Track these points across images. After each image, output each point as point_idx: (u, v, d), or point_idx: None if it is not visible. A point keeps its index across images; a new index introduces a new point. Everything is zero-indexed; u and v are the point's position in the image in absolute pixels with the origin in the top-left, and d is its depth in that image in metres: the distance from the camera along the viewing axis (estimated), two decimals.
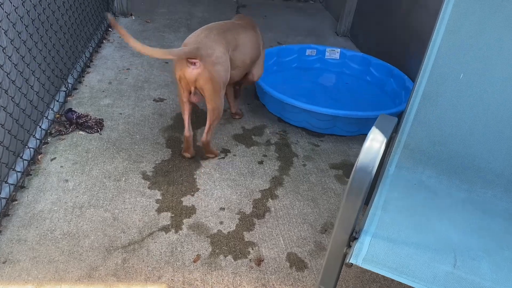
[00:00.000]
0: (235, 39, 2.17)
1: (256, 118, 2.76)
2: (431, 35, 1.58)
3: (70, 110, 2.44)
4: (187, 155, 2.28)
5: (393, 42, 3.45)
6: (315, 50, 3.45)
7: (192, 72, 1.96)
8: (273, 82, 3.08)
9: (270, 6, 5.02)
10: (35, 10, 2.14)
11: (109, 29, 3.73)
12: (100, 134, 2.39)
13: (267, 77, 3.11)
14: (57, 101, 2.47)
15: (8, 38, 1.82)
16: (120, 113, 2.61)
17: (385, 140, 1.19)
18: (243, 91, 3.03)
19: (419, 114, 1.57)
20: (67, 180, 2.04)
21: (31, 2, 2.08)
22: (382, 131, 1.22)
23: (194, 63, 1.94)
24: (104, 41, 3.51)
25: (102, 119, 2.48)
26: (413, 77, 3.01)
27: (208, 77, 1.97)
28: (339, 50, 3.45)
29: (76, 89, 2.79)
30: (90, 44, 3.23)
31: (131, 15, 4.11)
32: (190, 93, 2.06)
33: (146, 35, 3.76)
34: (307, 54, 3.45)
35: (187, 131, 2.19)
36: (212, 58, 1.97)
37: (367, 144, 1.17)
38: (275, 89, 2.69)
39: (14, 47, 1.89)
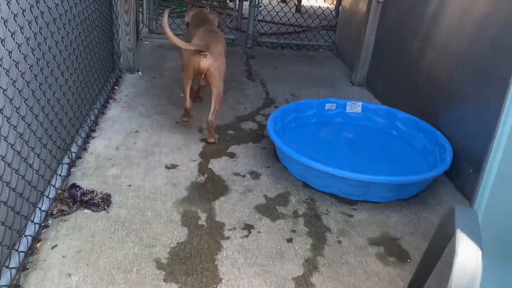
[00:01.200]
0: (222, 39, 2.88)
1: (278, 183, 2.49)
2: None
3: (74, 185, 2.19)
4: (186, 119, 3.02)
5: (416, 92, 3.24)
6: (334, 104, 3.24)
7: (205, 62, 2.64)
8: (293, 140, 2.85)
9: (280, 56, 4.87)
10: (36, 80, 1.93)
11: (115, 87, 3.54)
12: (107, 212, 2.12)
13: (285, 135, 2.88)
14: (59, 175, 2.22)
15: (4, 116, 1.59)
16: (129, 185, 2.35)
17: (480, 253, 0.92)
18: (262, 151, 2.79)
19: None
20: (70, 274, 1.75)
21: (31, 72, 1.87)
22: (471, 235, 0.95)
23: (206, 56, 2.63)
24: (110, 101, 3.31)
25: (109, 194, 2.22)
26: (443, 131, 2.77)
27: (217, 66, 2.67)
28: (360, 103, 3.23)
29: (80, 157, 2.55)
30: (95, 106, 3.02)
31: (138, 71, 3.94)
32: (196, 77, 2.77)
33: (154, 92, 3.56)
34: (326, 108, 3.23)
35: (189, 103, 2.90)
36: (218, 52, 2.70)
37: (459, 261, 0.89)
38: (295, 148, 2.46)
39: (11, 125, 1.66)
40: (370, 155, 2.85)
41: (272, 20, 5.50)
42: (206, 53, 2.62)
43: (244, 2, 4.79)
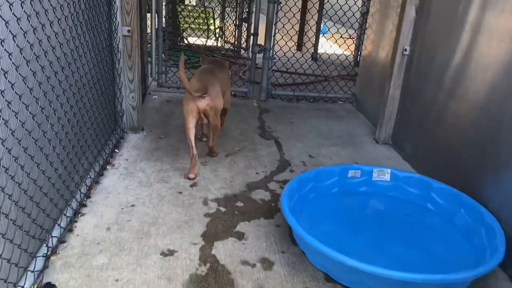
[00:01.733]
0: (219, 77, 3.11)
1: (295, 276, 2.08)
2: None
3: (49, 285, 1.81)
4: (192, 176, 2.93)
5: (451, 156, 2.84)
6: (359, 171, 2.85)
7: (203, 103, 2.88)
8: (311, 215, 2.47)
9: (296, 110, 4.55)
10: (10, 154, 1.60)
11: (116, 150, 3.22)
12: None
13: (303, 209, 2.50)
14: (32, 271, 1.85)
15: None
16: (116, 280, 1.97)
17: None
18: (276, 230, 2.39)
19: None
20: None
21: (13, 137, 1.54)
22: None
23: (204, 97, 2.86)
24: (108, 167, 2.98)
25: None
26: (490, 207, 2.34)
27: (213, 105, 2.92)
28: (389, 170, 2.84)
29: (64, 242, 2.19)
30: (88, 175, 2.69)
31: (143, 130, 3.64)
32: (197, 120, 2.95)
33: (158, 154, 3.23)
34: (350, 175, 2.84)
35: (195, 150, 2.95)
36: (215, 92, 2.94)
37: None
38: (314, 224, 2.08)
39: None
40: (403, 236, 2.42)
41: (287, 70, 5.24)
42: (205, 95, 2.86)
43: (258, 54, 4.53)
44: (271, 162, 3.28)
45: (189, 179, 2.91)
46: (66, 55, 2.26)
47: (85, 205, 2.52)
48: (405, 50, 3.51)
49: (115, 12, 3.20)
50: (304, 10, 7.10)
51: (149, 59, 4.52)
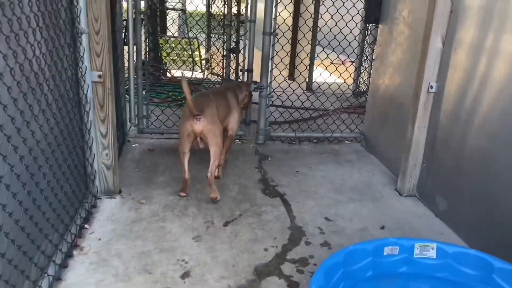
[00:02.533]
0: (219, 100, 3.12)
1: None
2: None
3: None
4: (183, 194, 3.01)
5: (508, 220, 2.26)
6: (397, 247, 2.24)
7: (199, 125, 2.83)
8: None
9: (300, 154, 3.96)
10: None
11: (85, 225, 2.57)
12: None
13: None
14: None
15: None
16: None
17: None
18: None
19: None
20: None
21: None
22: None
23: (199, 119, 2.81)
24: (74, 252, 2.32)
25: None
26: None
27: (210, 128, 2.87)
28: (435, 245, 2.23)
29: None
30: (45, 272, 2.03)
31: (120, 192, 2.99)
32: (192, 144, 2.91)
33: (138, 229, 2.58)
34: (386, 253, 2.23)
35: (187, 174, 3.00)
36: (211, 114, 2.90)
37: None
38: None
39: None
40: None
41: (282, 104, 4.66)
42: (200, 116, 2.80)
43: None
44: (281, 231, 2.66)
45: (180, 196, 3.00)
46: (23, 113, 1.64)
47: None
48: (431, 87, 2.97)
49: (81, 55, 2.59)
50: (295, 39, 6.61)
51: (128, 101, 3.91)
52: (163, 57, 6.32)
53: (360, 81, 5.91)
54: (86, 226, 2.57)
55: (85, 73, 2.64)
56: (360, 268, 2.17)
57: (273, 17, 3.74)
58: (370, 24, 5.17)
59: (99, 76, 2.70)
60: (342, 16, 4.41)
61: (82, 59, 2.61)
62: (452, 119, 2.82)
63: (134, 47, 3.68)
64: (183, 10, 6.22)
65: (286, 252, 2.45)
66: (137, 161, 3.59)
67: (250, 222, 2.73)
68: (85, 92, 2.67)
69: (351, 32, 4.59)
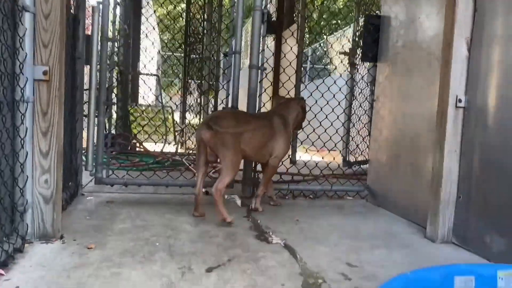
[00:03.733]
0: (244, 125, 2.75)
1: None
2: None
3: None
4: (196, 214, 2.76)
5: None
6: (472, 277, 1.49)
7: (206, 134, 2.62)
8: None
9: (295, 207, 3.25)
10: None
11: (11, 259, 1.71)
12: None
13: None
14: None
15: None
16: None
17: None
18: None
19: None
20: None
21: None
22: None
23: (210, 128, 2.60)
24: None
25: None
26: None
27: (220, 137, 2.60)
28: None
29: None
30: None
31: (61, 238, 2.16)
32: (206, 156, 2.70)
33: (79, 275, 1.73)
34: (457, 285, 1.47)
35: (197, 189, 2.76)
36: (224, 127, 2.62)
37: None
38: None
39: None
40: None
41: None
42: (211, 125, 2.59)
43: None
44: (290, 277, 1.85)
45: (193, 216, 2.76)
46: None
47: None
48: (460, 101, 2.45)
49: (21, 40, 1.98)
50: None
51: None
52: (133, 127, 5.73)
53: (349, 150, 5.39)
54: (0, 271, 1.71)
55: (24, 65, 2.00)
56: None
57: (260, 49, 3.30)
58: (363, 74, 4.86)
59: (45, 73, 2.06)
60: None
61: (22, 46, 1.99)
62: (493, 136, 2.26)
63: (97, 73, 3.09)
64: (157, 76, 5.82)
65: None
66: (91, 211, 2.78)
67: (244, 268, 1.92)
68: (22, 92, 2.00)
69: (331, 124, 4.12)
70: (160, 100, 5.83)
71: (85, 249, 2.05)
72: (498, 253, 2.17)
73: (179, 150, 5.80)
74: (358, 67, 5.14)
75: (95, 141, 3.24)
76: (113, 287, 1.65)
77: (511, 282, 1.50)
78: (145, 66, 5.60)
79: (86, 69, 3.37)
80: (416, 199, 2.89)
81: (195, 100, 5.61)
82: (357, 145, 4.84)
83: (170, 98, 6.14)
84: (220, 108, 4.24)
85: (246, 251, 2.15)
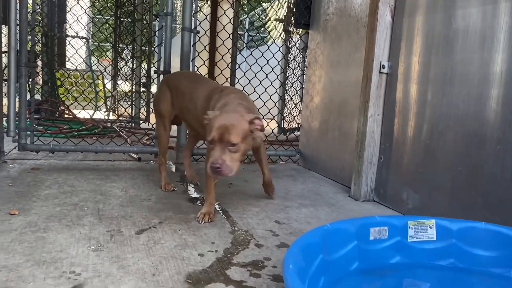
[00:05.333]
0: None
1: None
2: None
3: None
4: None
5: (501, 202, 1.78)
6: (385, 228, 1.63)
7: None
8: None
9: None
10: None
11: None
12: None
13: None
14: None
15: None
16: None
17: None
18: None
19: None
20: None
21: None
22: None
23: None
24: None
25: None
26: None
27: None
28: (433, 222, 1.66)
29: None
30: None
31: None
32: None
33: (2, 241, 1.67)
34: (372, 238, 1.60)
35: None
36: None
37: None
38: None
39: None
40: None
41: None
42: None
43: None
44: (221, 236, 1.91)
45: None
46: None
47: None
48: (383, 66, 2.58)
49: None
50: (210, 78, 6.17)
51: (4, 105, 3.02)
52: (61, 93, 5.44)
53: (283, 117, 5.51)
54: None
55: None
56: (343, 257, 1.50)
57: (193, 11, 3.23)
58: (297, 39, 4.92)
59: None
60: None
61: None
62: (412, 101, 2.41)
63: (17, 33, 2.89)
64: (85, 39, 5.52)
65: (230, 256, 1.70)
66: (14, 178, 2.65)
67: (176, 229, 1.95)
68: None
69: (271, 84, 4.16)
70: (89, 64, 5.55)
71: (7, 215, 1.97)
72: (413, 208, 2.36)
73: (111, 117, 5.62)
74: (292, 34, 5.20)
75: (16, 106, 3.06)
76: (38, 250, 1.61)
77: (420, 230, 1.65)
78: (70, 26, 5.28)
79: (4, 29, 3.15)
80: (342, 161, 3.05)
81: (126, 65, 5.41)
82: (290, 112, 4.95)
83: (98, 61, 5.84)
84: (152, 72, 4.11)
85: (178, 213, 2.18)
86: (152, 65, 3.68)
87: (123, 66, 5.50)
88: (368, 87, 2.62)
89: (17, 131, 3.03)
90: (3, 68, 3.06)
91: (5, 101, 3.09)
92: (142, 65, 4.93)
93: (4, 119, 3.11)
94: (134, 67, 4.92)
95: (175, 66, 3.21)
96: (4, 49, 3.16)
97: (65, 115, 5.23)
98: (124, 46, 5.54)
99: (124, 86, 5.58)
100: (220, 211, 2.27)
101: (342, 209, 2.48)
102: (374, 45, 2.57)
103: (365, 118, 2.63)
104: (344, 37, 3.12)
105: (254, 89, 3.96)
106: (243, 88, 3.95)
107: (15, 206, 2.10)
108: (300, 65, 5.00)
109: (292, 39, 5.17)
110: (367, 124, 2.62)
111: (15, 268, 1.46)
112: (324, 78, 3.38)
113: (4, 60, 3.12)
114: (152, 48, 4.27)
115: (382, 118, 2.63)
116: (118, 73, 5.54)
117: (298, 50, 4.99)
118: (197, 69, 3.46)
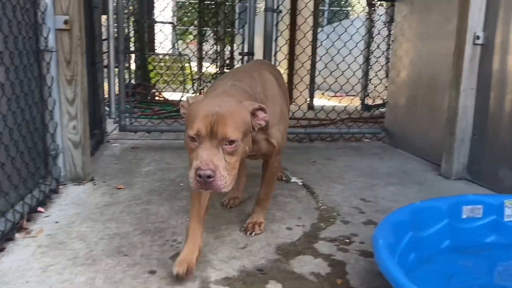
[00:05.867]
0: None
1: None
2: None
3: None
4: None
5: None
6: (480, 206, 1.57)
7: None
8: None
9: (312, 150, 3.33)
10: None
11: (40, 209, 1.86)
12: None
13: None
14: None
15: None
16: None
17: None
18: None
19: None
20: None
21: None
22: None
23: None
24: (16, 235, 1.61)
25: None
26: None
27: None
28: None
29: None
30: None
31: (92, 180, 2.31)
32: None
33: (112, 212, 1.88)
34: (464, 216, 1.56)
35: None
36: None
37: None
38: None
39: None
40: None
41: (290, 117, 3.98)
42: None
43: None
44: (306, 212, 1.97)
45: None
46: None
47: None
48: (477, 37, 2.43)
49: None
50: (291, 58, 6.15)
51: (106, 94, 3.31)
52: (152, 77, 5.80)
53: (367, 93, 5.37)
54: (40, 209, 1.87)
55: (46, 16, 2.06)
56: (433, 235, 1.49)
57: None
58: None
59: (65, 22, 2.11)
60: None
61: None
62: (510, 73, 2.25)
63: (116, 26, 3.13)
64: (172, 23, 5.80)
65: (317, 232, 1.75)
66: (117, 156, 2.92)
67: None
68: (46, 42, 2.07)
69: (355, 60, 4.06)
70: (177, 48, 5.84)
71: (115, 189, 2.19)
72: (510, 186, 2.23)
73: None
74: (376, 7, 5.03)
75: (116, 90, 3.33)
76: (144, 221, 1.79)
77: None
78: (160, 13, 5.57)
79: (103, 18, 3.41)
80: (432, 138, 2.94)
81: (214, 46, 5.61)
82: (375, 87, 4.83)
83: (187, 46, 6.11)
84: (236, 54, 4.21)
85: None
86: (236, 47, 3.79)
87: (209, 49, 5.71)
88: (460, 60, 2.48)
89: (117, 113, 3.31)
90: (102, 55, 3.34)
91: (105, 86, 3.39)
92: (226, 47, 5.07)
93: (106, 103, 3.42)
94: (219, 49, 5.08)
95: (258, 47, 3.28)
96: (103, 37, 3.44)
97: (157, 98, 5.58)
98: (209, 29, 5.73)
99: (210, 68, 5.79)
100: (304, 188, 2.32)
101: (432, 188, 2.41)
102: (468, 14, 2.42)
103: (457, 92, 2.50)
104: (433, 8, 2.97)
105: (337, 66, 3.92)
106: (326, 66, 3.92)
107: (121, 181, 2.33)
108: (385, 39, 4.82)
109: (376, 13, 4.99)
110: (459, 99, 2.50)
111: (125, 236, 1.64)
112: (411, 52, 3.25)
113: (103, 48, 3.41)
114: (235, 30, 4.36)
115: (476, 92, 2.48)
116: (204, 56, 5.77)
117: (383, 24, 4.81)
118: (280, 49, 3.50)
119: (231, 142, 1.24)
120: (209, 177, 1.19)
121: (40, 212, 1.85)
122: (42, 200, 1.93)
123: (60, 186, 2.16)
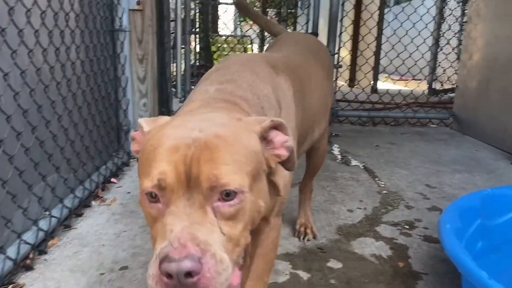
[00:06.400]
0: None
1: None
2: None
3: None
4: None
5: None
6: None
7: None
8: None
9: (376, 133, 3.26)
10: None
11: (113, 180, 1.99)
12: None
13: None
14: None
15: None
16: None
17: None
18: None
19: None
20: None
21: None
22: None
23: None
24: (93, 203, 1.74)
25: None
26: None
27: None
28: None
29: None
30: (50, 213, 1.45)
31: None
32: None
33: None
34: None
35: None
36: None
37: None
38: None
39: None
40: None
41: (353, 99, 3.89)
42: None
43: None
44: (368, 195, 1.95)
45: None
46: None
47: (31, 268, 1.25)
48: None
49: None
50: (356, 39, 5.98)
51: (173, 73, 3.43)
52: (215, 58, 5.91)
53: (435, 76, 5.12)
54: (113, 180, 2.00)
55: None
56: (504, 224, 1.42)
57: None
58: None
59: (138, 3, 2.21)
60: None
61: None
62: None
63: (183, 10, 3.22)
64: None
65: (379, 215, 1.74)
66: None
67: (324, 186, 2.05)
68: (120, 22, 2.18)
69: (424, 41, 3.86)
70: (240, 30, 5.89)
71: None
72: None
73: None
74: None
75: (182, 71, 3.44)
76: None
77: None
78: None
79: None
80: (505, 124, 2.77)
81: None
82: (444, 71, 4.61)
83: (250, 27, 6.14)
84: None
85: (326, 171, 2.26)
86: (300, 28, 3.75)
87: None
88: None
89: (182, 93, 3.42)
90: (170, 35, 3.45)
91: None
92: (289, 28, 5.04)
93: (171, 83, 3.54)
94: None
95: (321, 29, 3.23)
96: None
97: None
98: (272, 10, 5.71)
99: None
100: (366, 172, 2.29)
101: (503, 177, 2.29)
102: None
103: None
104: None
105: (405, 48, 3.77)
106: (393, 47, 3.79)
107: None
108: (458, 19, 4.56)
109: None
110: None
111: None
112: (487, 33, 3.06)
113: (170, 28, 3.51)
114: (299, 10, 4.32)
115: None
116: (266, 37, 5.78)
117: (456, 3, 4.55)
118: (345, 29, 3.42)
119: (230, 194, 0.67)
120: (189, 274, 0.61)
121: (113, 183, 1.98)
122: (115, 172, 2.07)
123: (131, 160, 2.29)
